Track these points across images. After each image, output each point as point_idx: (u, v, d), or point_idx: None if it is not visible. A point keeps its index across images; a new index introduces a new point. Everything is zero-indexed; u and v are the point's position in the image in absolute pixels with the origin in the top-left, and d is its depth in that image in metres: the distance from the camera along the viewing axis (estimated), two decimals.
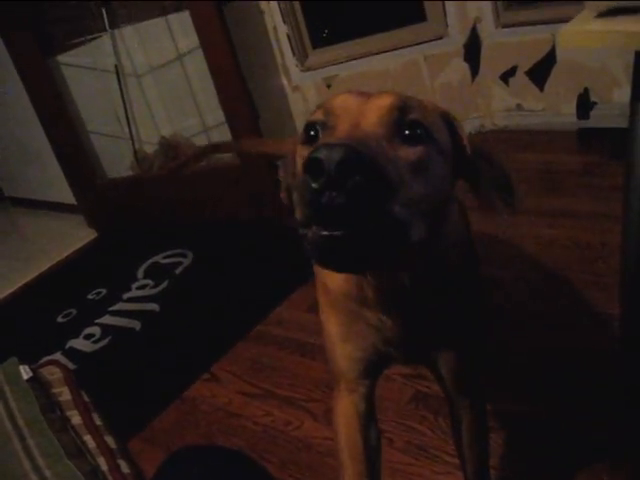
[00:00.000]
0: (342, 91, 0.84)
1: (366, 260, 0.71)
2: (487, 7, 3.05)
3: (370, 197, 0.65)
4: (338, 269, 0.76)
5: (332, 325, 1.12)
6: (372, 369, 1.14)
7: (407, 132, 0.76)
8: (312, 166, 0.64)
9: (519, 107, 3.21)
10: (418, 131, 0.77)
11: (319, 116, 0.82)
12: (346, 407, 1.14)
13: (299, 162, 0.85)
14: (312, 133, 0.82)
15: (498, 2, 3.04)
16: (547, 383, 1.70)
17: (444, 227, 0.90)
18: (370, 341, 1.07)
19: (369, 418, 1.15)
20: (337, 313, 1.10)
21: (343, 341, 1.10)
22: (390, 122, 0.76)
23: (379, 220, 0.67)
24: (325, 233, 0.67)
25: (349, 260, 0.70)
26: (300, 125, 3.11)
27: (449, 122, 0.87)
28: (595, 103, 2.89)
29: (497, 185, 0.89)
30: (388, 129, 0.75)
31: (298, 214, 0.70)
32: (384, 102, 0.78)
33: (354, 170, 0.63)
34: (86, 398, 1.56)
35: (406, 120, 0.77)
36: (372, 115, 0.76)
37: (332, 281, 1.06)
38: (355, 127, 0.74)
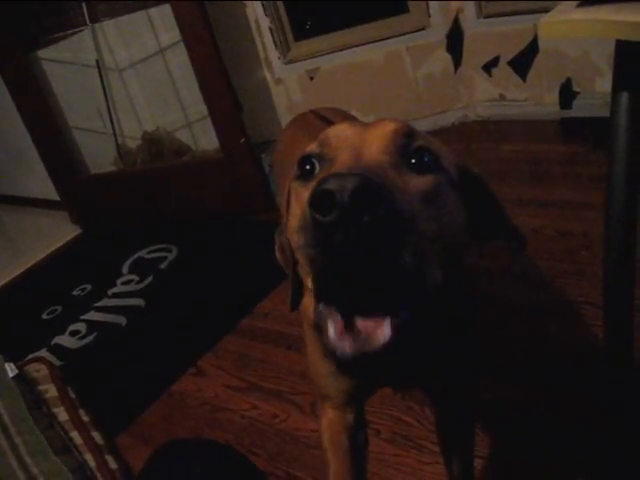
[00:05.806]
0: (337, 124, 0.77)
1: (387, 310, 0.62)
2: None
3: (388, 234, 0.57)
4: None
5: (320, 357, 1.04)
6: (361, 396, 1.12)
7: (414, 160, 0.69)
8: (320, 199, 0.56)
9: (502, 97, 3.22)
10: (425, 159, 0.70)
11: (314, 148, 0.74)
12: (332, 420, 1.11)
13: (294, 201, 0.76)
14: (307, 167, 0.74)
15: None
16: (531, 372, 1.71)
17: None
18: None
19: (357, 427, 1.11)
20: None
21: (333, 375, 1.03)
22: (395, 149, 0.69)
23: (395, 262, 0.58)
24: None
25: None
26: (283, 118, 3.08)
27: (464, 167, 0.80)
28: (578, 92, 2.91)
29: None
30: (393, 157, 0.68)
31: (304, 260, 0.61)
32: (387, 128, 0.71)
33: (371, 202, 0.55)
34: (72, 394, 1.55)
35: (412, 147, 0.70)
36: (375, 143, 0.69)
37: None
38: (358, 157, 0.67)
